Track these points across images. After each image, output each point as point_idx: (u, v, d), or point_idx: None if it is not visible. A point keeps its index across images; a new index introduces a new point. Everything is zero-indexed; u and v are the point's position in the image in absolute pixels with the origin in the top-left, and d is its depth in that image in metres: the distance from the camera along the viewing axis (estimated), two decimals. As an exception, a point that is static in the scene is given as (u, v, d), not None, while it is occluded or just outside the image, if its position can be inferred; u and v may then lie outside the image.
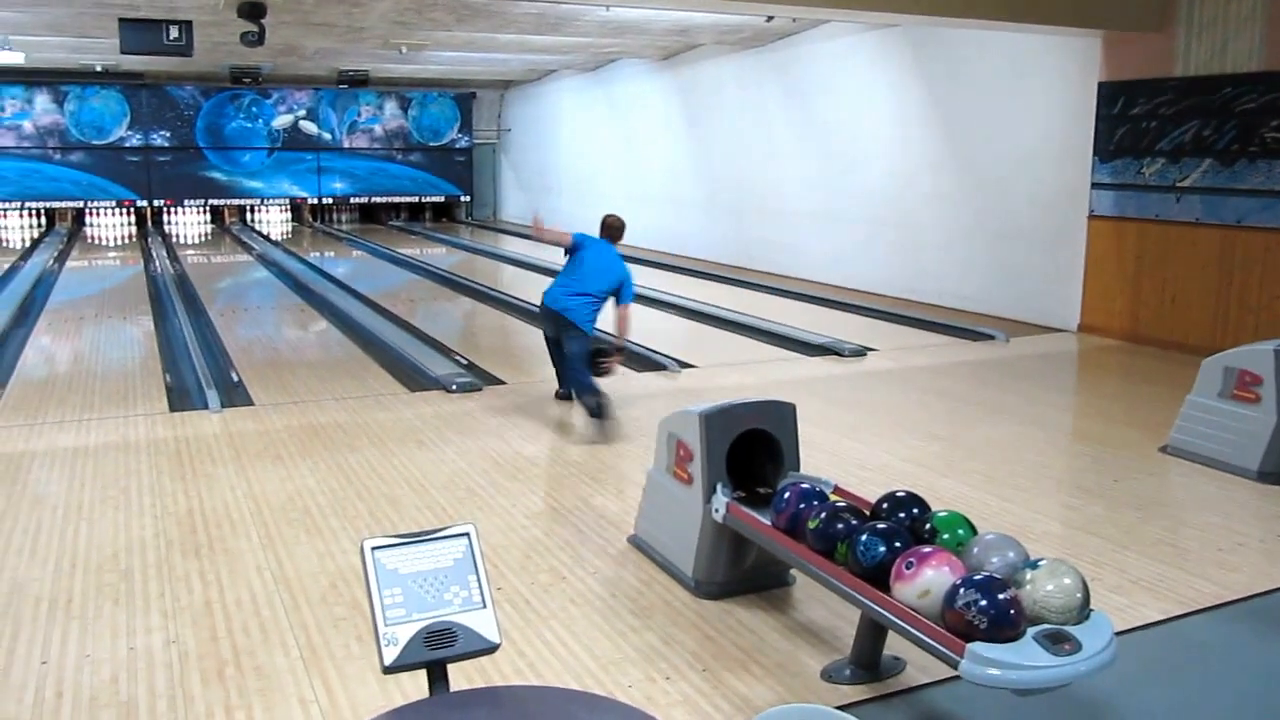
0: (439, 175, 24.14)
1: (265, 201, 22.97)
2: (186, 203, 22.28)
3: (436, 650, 1.96)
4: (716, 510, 3.81)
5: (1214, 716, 3.19)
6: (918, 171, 11.67)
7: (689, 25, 12.79)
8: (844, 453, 5.94)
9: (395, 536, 2.05)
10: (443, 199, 24.37)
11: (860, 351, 8.82)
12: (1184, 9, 8.73)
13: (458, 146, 24.26)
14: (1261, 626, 3.83)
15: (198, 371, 7.95)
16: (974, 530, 3.26)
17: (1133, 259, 9.37)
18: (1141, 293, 9.32)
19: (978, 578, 2.82)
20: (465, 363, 8.43)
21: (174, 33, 10.85)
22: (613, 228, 7.06)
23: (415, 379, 7.81)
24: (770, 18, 10.69)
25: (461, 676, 2.98)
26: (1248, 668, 3.48)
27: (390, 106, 23.71)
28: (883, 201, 12.17)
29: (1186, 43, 8.78)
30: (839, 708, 3.01)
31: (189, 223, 22.25)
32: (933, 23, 9.53)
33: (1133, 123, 9.24)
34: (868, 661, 3.32)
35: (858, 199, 12.57)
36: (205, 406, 6.89)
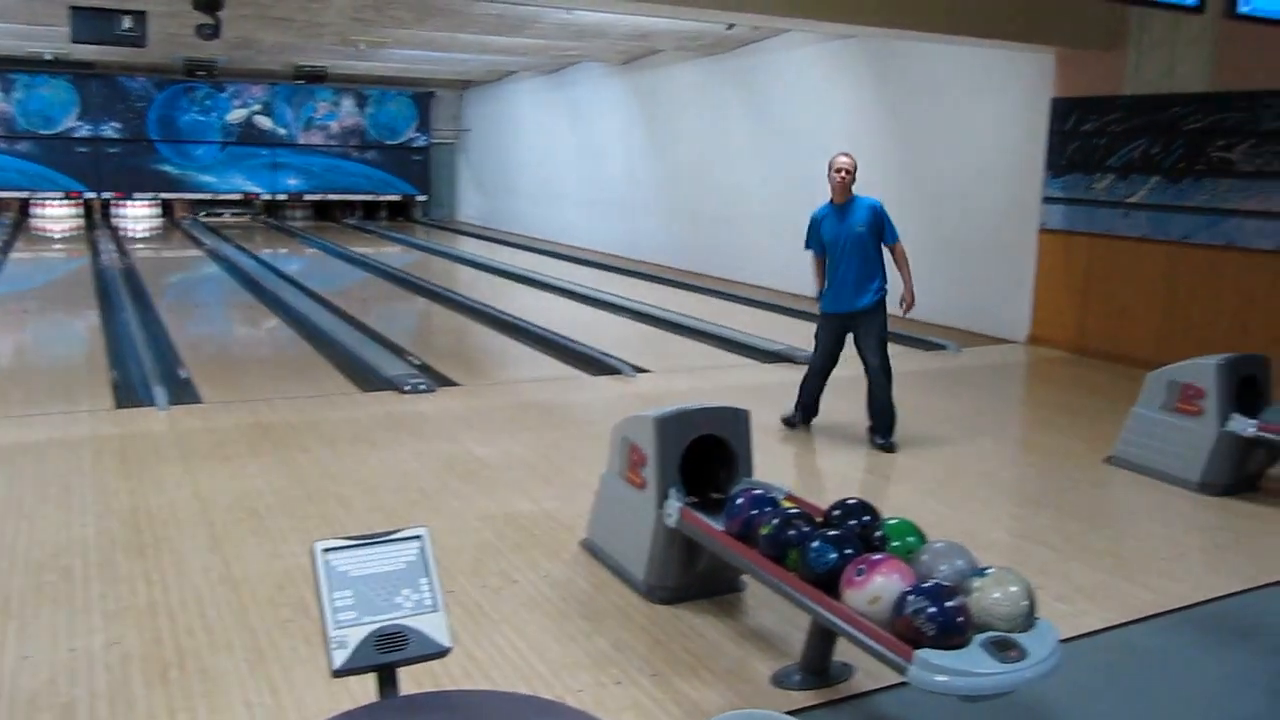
0: (395, 174, 23.95)
1: (216, 197, 22.66)
2: (136, 196, 21.91)
3: (386, 654, 1.95)
4: (669, 515, 3.81)
5: (1154, 724, 3.25)
6: (873, 181, 11.67)
7: (649, 30, 12.81)
8: (797, 459, 5.97)
9: (347, 539, 2.03)
10: (399, 198, 24.17)
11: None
12: (1134, 29, 8.89)
13: (415, 145, 24.08)
14: (1202, 635, 3.90)
15: (145, 367, 7.83)
16: (923, 538, 3.30)
17: (1081, 273, 9.52)
18: (1090, 306, 9.48)
19: (926, 585, 2.85)
20: (419, 363, 8.37)
21: (127, 23, 10.67)
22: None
23: (368, 379, 7.74)
24: (731, 25, 10.73)
25: (411, 680, 2.96)
26: (1189, 675, 3.55)
27: (347, 103, 23.49)
28: (838, 210, 12.25)
29: (1136, 62, 8.94)
30: (788, 713, 3.03)
31: (139, 216, 21.90)
32: (890, 35, 9.63)
33: (1084, 139, 9.39)
34: (817, 667, 3.34)
35: (814, 207, 12.62)
36: (152, 403, 6.78)
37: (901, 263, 6.38)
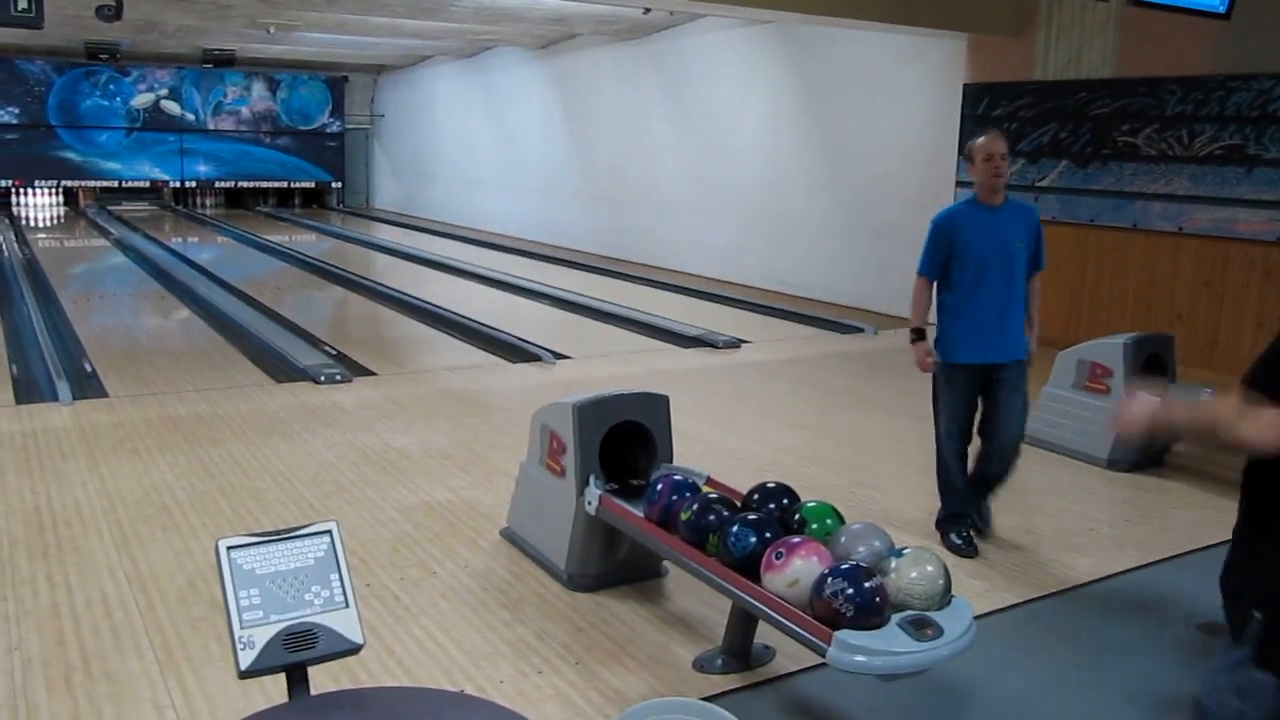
0: (309, 160, 23.49)
1: (122, 184, 21.98)
2: (37, 183, 21.15)
3: (296, 653, 1.90)
4: (589, 503, 3.79)
5: (1070, 695, 3.32)
6: (791, 166, 11.87)
7: (566, 15, 12.71)
8: (717, 443, 6.00)
9: (252, 535, 1.98)
10: (313, 185, 23.73)
11: (733, 343, 8.92)
12: (1043, 15, 9.07)
13: (329, 131, 23.65)
14: (1110, 608, 4.01)
15: (47, 362, 7.56)
16: (842, 520, 3.32)
17: (994, 255, 9.69)
18: (1002, 288, 9.65)
19: (844, 567, 2.87)
20: (334, 353, 8.22)
21: (22, 3, 10.25)
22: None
23: (282, 369, 7.58)
24: (647, 10, 10.69)
25: (328, 677, 2.90)
26: (1100, 648, 3.64)
27: (258, 88, 22.96)
28: (757, 195, 12.34)
29: (1045, 48, 9.12)
30: (709, 698, 3.04)
31: (40, 204, 21.14)
32: (804, 20, 9.67)
33: (995, 124, 9.54)
34: (739, 651, 3.35)
35: (733, 192, 12.71)
36: (55, 398, 6.55)
37: (1036, 300, 4.53)
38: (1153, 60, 8.34)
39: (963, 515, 4.51)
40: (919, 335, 4.51)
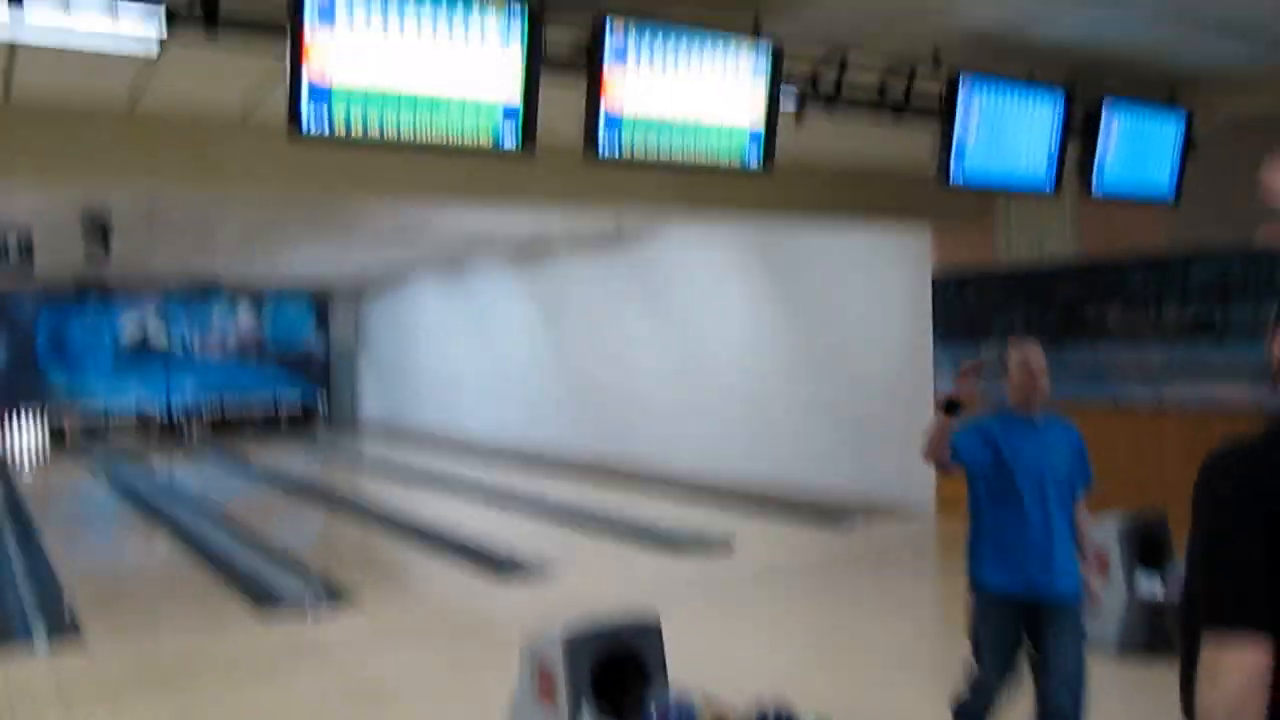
0: (296, 379, 23.70)
1: (108, 414, 22.04)
2: (23, 415, 21.18)
3: None
4: (585, 736, 3.63)
5: None
6: (771, 360, 12.03)
7: (543, 230, 13.14)
8: (712, 654, 5.81)
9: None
10: (299, 404, 23.84)
11: (724, 543, 8.80)
12: (1001, 205, 9.39)
13: (315, 349, 23.97)
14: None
15: (24, 601, 7.36)
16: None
17: (979, 439, 9.71)
18: (991, 471, 9.62)
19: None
20: (322, 579, 8.05)
21: (14, 256, 10.55)
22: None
23: (268, 600, 7.39)
24: (618, 226, 11.08)
25: None
26: None
27: (244, 310, 23.39)
28: (739, 390, 12.45)
29: (1007, 234, 9.42)
30: None
31: (25, 436, 21.12)
32: (773, 222, 10.01)
33: (966, 308, 9.77)
34: None
35: (715, 389, 12.83)
36: (30, 640, 6.34)
37: (1085, 527, 3.97)
38: (1113, 242, 8.60)
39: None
40: (950, 410, 3.79)
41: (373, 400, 24.16)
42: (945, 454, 3.81)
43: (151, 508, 12.16)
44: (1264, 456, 1.72)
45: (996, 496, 3.83)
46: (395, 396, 22.91)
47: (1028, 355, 3.91)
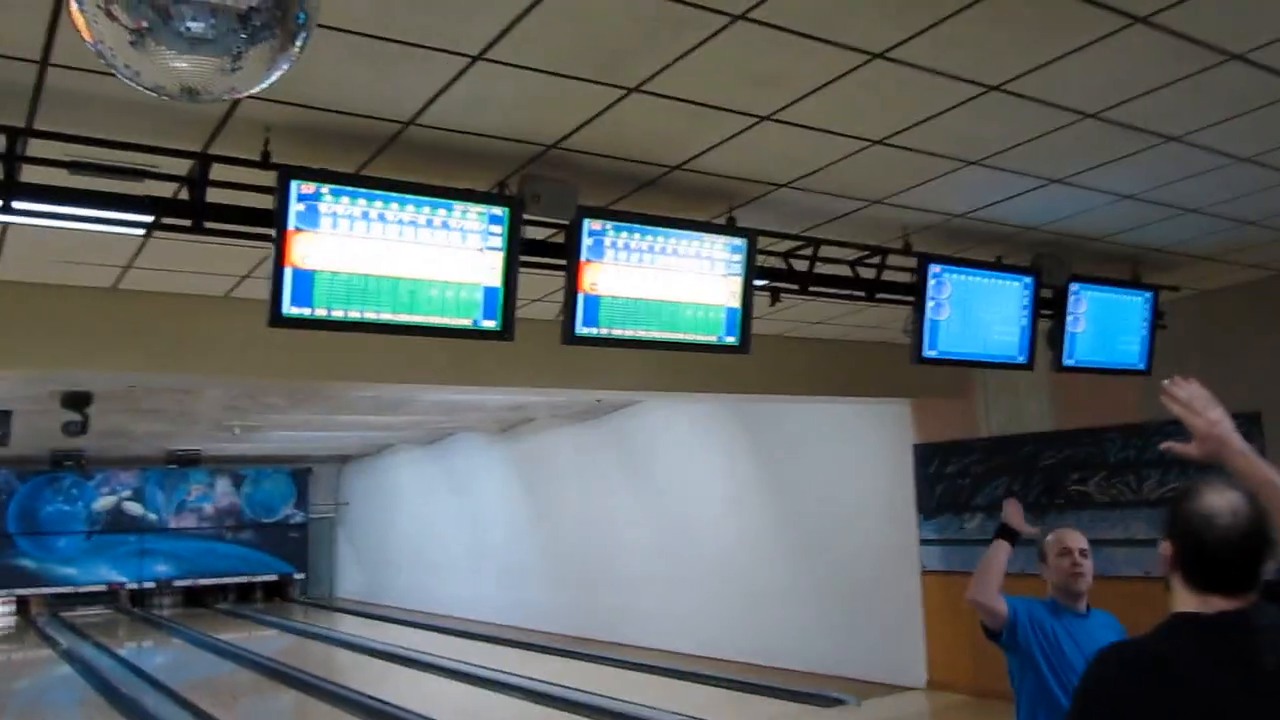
0: (272, 553, 23.28)
1: (78, 589, 21.50)
2: (-12, 592, 20.65)
3: None
4: None
5: None
6: (755, 534, 11.92)
7: (523, 403, 13.20)
8: None
9: None
10: (275, 578, 23.33)
11: (713, 727, 8.53)
12: (979, 377, 9.51)
13: (292, 522, 23.64)
14: None
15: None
16: None
17: (969, 613, 9.50)
18: (983, 646, 9.38)
19: None
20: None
21: (-12, 429, 10.50)
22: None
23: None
24: (599, 400, 11.15)
25: None
26: None
27: (222, 484, 23.14)
28: (724, 565, 12.28)
29: (986, 406, 9.51)
30: None
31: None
32: (752, 399, 10.08)
33: (948, 480, 9.76)
34: None
35: (699, 562, 12.66)
36: None
37: None
38: (1090, 411, 8.67)
39: None
40: (1009, 537, 3.66)
41: (350, 575, 23.70)
42: (997, 598, 3.58)
43: (113, 690, 11.72)
44: (1155, 660, 1.83)
45: (1039, 696, 3.58)
46: (373, 571, 22.49)
47: (1067, 541, 3.71)
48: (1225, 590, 1.88)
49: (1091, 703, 1.85)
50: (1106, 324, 6.44)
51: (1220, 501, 1.92)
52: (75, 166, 3.76)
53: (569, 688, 10.51)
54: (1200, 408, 2.29)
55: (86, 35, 2.13)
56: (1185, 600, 1.93)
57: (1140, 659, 1.86)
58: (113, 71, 2.23)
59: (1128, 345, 6.63)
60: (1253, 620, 1.85)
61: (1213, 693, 1.76)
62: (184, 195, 3.99)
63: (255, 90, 2.36)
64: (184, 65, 2.15)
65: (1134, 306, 6.57)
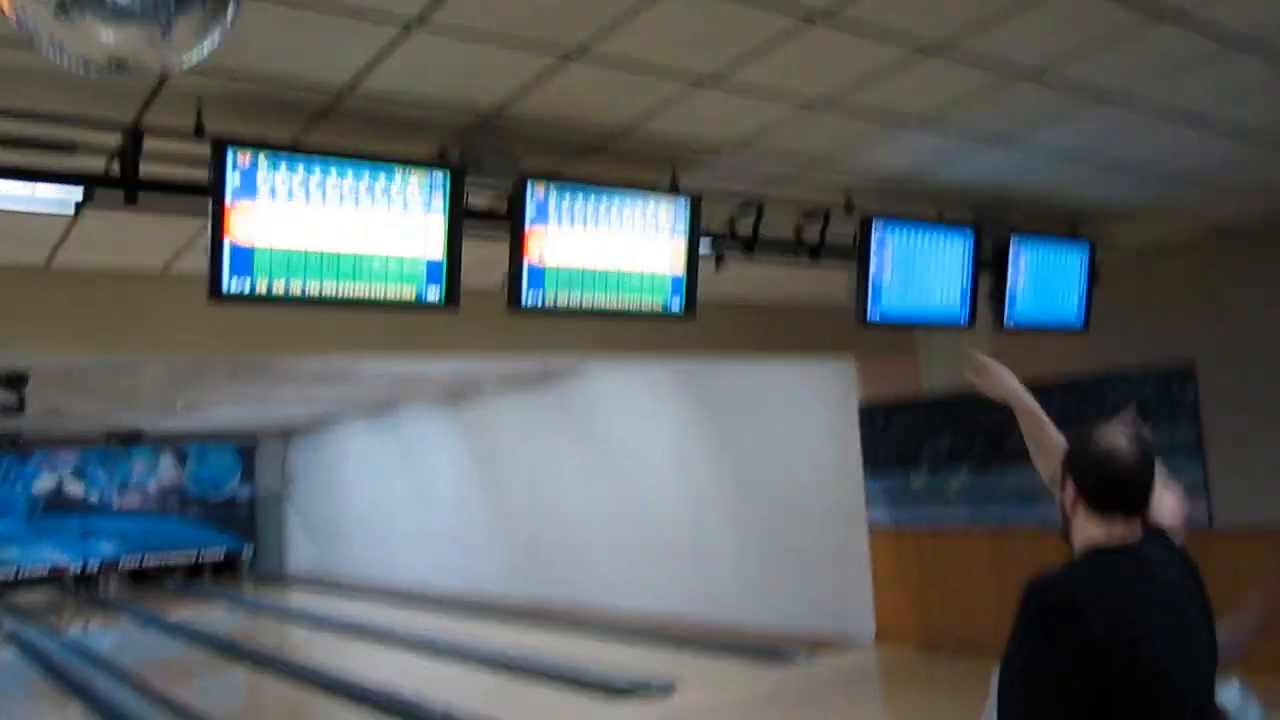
0: (219, 529, 23.03)
1: (20, 571, 21.13)
2: (-73, 581, 20.22)
3: None
4: None
5: None
6: (706, 495, 12.02)
7: (470, 372, 13.14)
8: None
9: None
10: (223, 555, 23.09)
11: (665, 686, 8.61)
12: (921, 335, 9.61)
13: (239, 498, 23.40)
14: None
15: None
16: None
17: (916, 567, 9.75)
18: (928, 599, 9.64)
19: None
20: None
21: (-81, 411, 10.24)
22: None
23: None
24: (547, 368, 11.14)
25: None
26: None
27: (166, 461, 22.81)
28: (675, 527, 12.38)
29: (928, 364, 9.63)
30: None
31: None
32: (698, 362, 10.13)
33: (894, 439, 9.90)
34: None
35: (651, 525, 12.74)
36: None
37: None
38: (1031, 367, 8.77)
39: None
40: None
41: (301, 549, 23.54)
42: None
43: (60, 674, 11.57)
44: (1087, 586, 2.14)
45: None
46: (324, 544, 22.35)
47: None
48: (1129, 510, 2.26)
49: (1053, 629, 2.11)
50: (1045, 281, 6.54)
51: (1115, 439, 2.28)
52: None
53: (523, 653, 10.57)
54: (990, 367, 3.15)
55: (6, 7, 2.07)
56: (1092, 530, 2.28)
57: (1084, 585, 2.15)
58: (36, 45, 2.17)
59: (1066, 302, 6.75)
60: (1147, 551, 2.28)
61: (1136, 608, 2.13)
62: (116, 170, 3.90)
63: (187, 62, 2.31)
64: (111, 37, 2.10)
65: (1071, 262, 6.68)
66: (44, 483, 21.56)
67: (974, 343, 9.01)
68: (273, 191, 3.73)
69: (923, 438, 9.66)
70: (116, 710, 9.25)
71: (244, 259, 3.74)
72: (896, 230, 5.62)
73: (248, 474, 23.52)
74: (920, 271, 5.80)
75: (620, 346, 7.98)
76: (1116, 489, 2.27)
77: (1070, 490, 2.34)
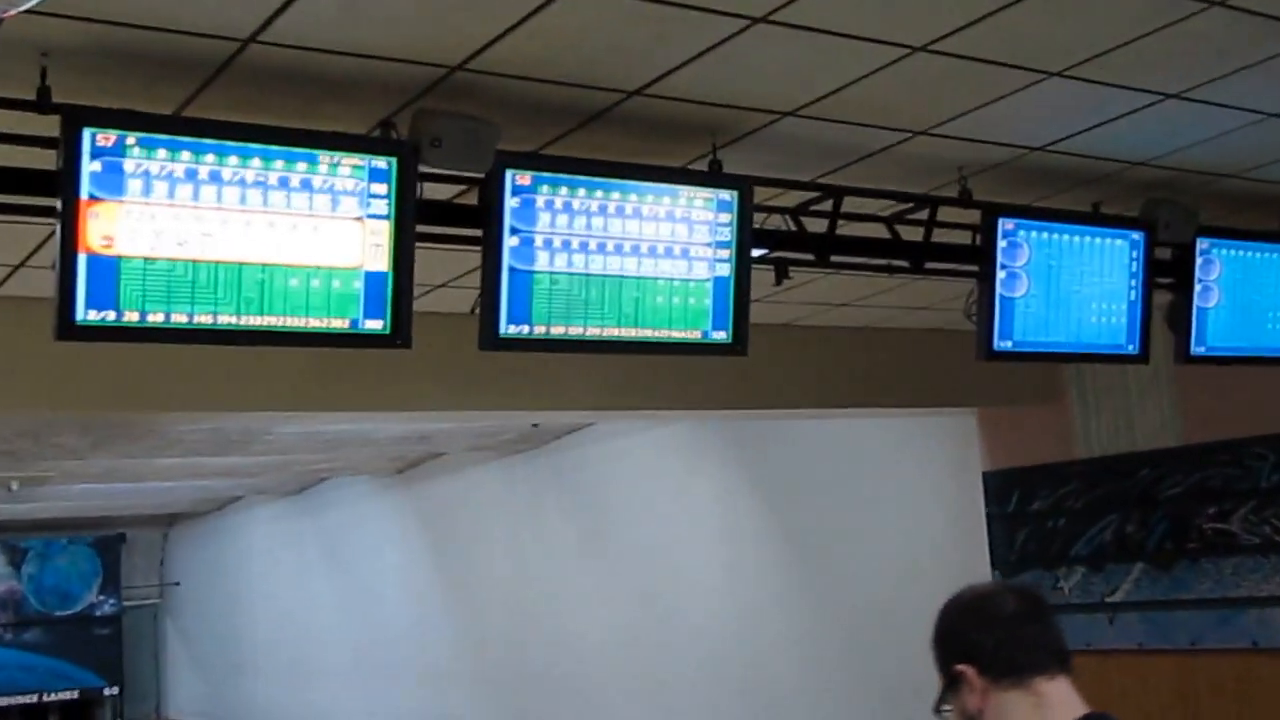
0: (71, 659, 23.06)
1: None
2: None
3: None
4: None
5: None
6: (763, 605, 11.93)
7: (428, 431, 13.14)
8: None
9: None
10: (76, 694, 23.12)
11: None
12: (1072, 378, 9.53)
13: (99, 614, 23.43)
14: None
15: None
16: None
17: (1068, 707, 9.61)
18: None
19: None
20: None
21: None
22: None
23: None
24: (536, 424, 11.15)
25: None
26: None
27: (-4, 562, 22.98)
28: (721, 652, 12.29)
29: (1084, 416, 9.55)
30: None
31: None
32: (754, 418, 10.09)
33: (1035, 521, 9.79)
34: None
35: (687, 652, 12.66)
36: None
37: None
38: (1228, 419, 8.73)
39: None
40: None
41: (185, 687, 23.57)
42: None
43: None
44: None
45: None
46: (218, 680, 22.37)
47: None
48: (1053, 669, 2.44)
49: None
50: (1250, 295, 6.50)
51: (985, 588, 2.53)
52: None
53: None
54: None
55: None
56: (1018, 707, 2.41)
57: None
58: None
59: (1278, 324, 6.70)
60: None
61: None
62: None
63: (25, 1, 2.33)
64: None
65: (1286, 269, 6.64)
66: None
67: (1149, 383, 9.02)
68: (147, 185, 3.74)
69: (1077, 519, 9.56)
70: None
71: (107, 277, 3.73)
72: (1034, 229, 5.60)
73: (110, 581, 23.55)
74: (1070, 284, 5.77)
75: (638, 397, 7.97)
76: (1015, 632, 2.43)
77: (967, 681, 2.43)
